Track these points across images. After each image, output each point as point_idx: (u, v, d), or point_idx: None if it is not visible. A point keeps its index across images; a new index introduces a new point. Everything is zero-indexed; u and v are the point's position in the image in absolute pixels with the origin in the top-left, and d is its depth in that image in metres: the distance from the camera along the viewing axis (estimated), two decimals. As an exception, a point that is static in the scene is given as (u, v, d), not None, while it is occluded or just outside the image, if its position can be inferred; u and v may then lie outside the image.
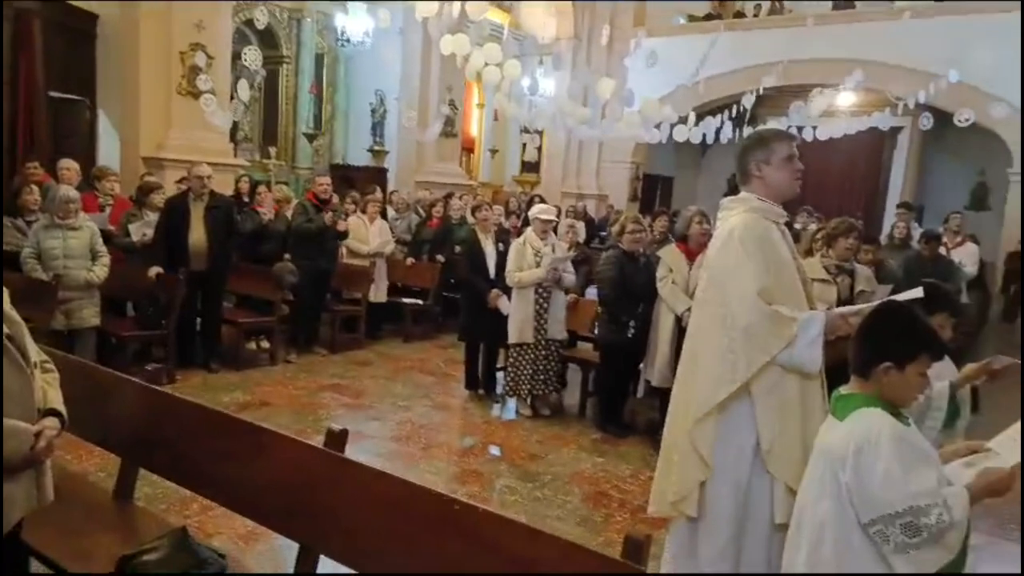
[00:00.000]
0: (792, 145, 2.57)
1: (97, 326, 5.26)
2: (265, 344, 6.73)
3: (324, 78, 12.85)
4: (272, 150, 11.75)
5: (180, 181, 6.84)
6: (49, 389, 2.01)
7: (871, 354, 1.86)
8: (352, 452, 2.27)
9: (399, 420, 5.24)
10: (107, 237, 5.61)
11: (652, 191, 16.32)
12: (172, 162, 7.64)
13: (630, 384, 5.57)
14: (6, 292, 1.85)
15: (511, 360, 5.52)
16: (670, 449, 2.62)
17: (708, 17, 14.73)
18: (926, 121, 8.93)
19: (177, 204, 5.89)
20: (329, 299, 7.14)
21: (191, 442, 2.54)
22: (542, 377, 5.49)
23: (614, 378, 5.39)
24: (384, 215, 8.02)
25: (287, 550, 2.43)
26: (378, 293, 7.48)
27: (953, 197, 13.06)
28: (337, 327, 7.15)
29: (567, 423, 5.48)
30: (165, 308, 5.57)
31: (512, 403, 5.66)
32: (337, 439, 2.23)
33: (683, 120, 9.05)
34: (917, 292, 2.34)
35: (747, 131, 4.47)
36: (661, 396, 4.90)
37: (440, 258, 7.99)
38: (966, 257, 7.34)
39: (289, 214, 6.94)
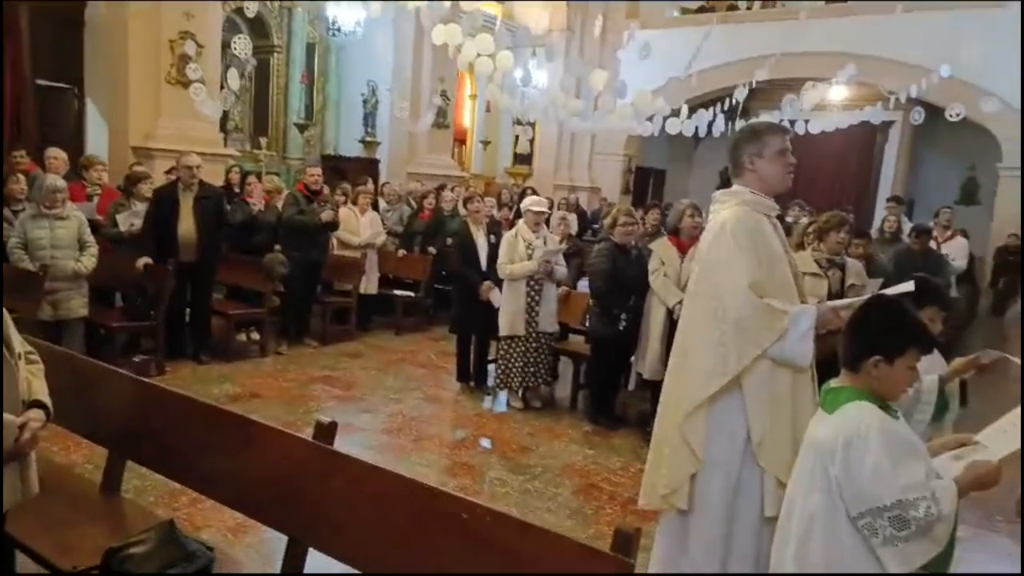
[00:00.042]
0: (785, 139, 2.56)
1: (85, 317, 5.23)
2: (255, 336, 6.71)
3: (315, 68, 12.74)
4: (263, 140, 11.67)
5: (169, 171, 6.78)
6: (34, 380, 2.00)
7: (861, 348, 1.87)
8: (343, 444, 2.26)
9: (390, 412, 5.23)
10: (95, 227, 5.57)
11: (644, 184, 16.34)
12: (161, 152, 7.57)
13: (621, 377, 5.61)
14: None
15: (502, 352, 5.52)
16: (661, 442, 2.62)
17: (701, 10, 14.73)
18: (917, 115, 8.93)
19: (166, 194, 5.84)
20: (320, 291, 7.11)
21: (179, 434, 2.52)
22: (533, 369, 5.49)
23: (605, 371, 5.39)
24: (376, 206, 7.99)
25: (276, 543, 2.42)
26: (369, 285, 7.45)
27: (943, 192, 13.18)
28: (328, 319, 7.14)
29: (558, 415, 5.48)
30: (154, 299, 5.54)
31: (503, 395, 5.67)
32: (326, 431, 2.21)
33: (676, 113, 9.05)
34: (907, 286, 2.36)
35: (740, 124, 4.46)
36: (652, 389, 4.90)
37: (432, 250, 7.97)
38: (956, 251, 7.40)
39: (280, 205, 6.89)
